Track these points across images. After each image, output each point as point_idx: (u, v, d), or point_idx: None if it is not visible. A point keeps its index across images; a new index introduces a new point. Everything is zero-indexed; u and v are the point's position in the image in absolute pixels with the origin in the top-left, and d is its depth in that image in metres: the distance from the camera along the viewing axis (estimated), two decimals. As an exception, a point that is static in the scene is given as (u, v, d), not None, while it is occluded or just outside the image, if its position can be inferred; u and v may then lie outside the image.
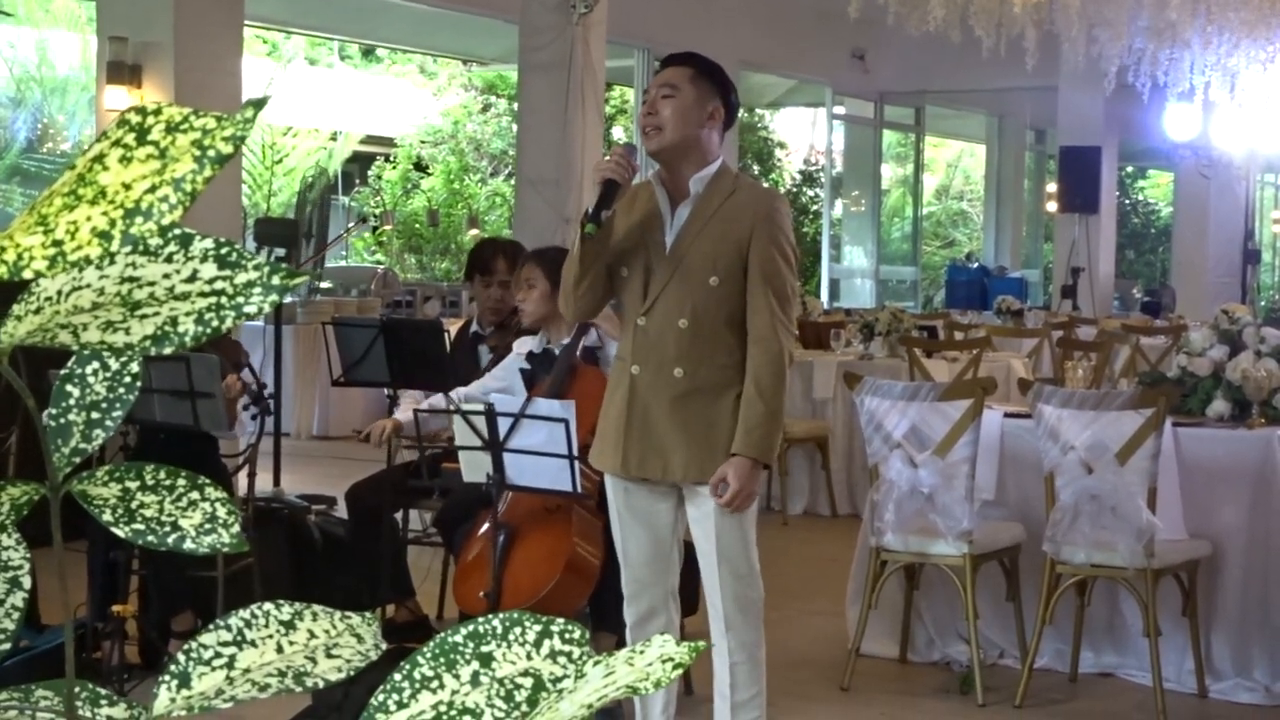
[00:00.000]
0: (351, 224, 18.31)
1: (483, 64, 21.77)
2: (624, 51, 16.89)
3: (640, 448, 4.54)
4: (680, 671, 0.96)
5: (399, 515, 6.90)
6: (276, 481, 8.73)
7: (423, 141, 23.40)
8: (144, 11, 10.02)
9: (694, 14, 16.59)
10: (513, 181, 14.59)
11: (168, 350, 0.86)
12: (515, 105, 14.30)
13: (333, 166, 22.06)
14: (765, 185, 4.72)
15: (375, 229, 21.40)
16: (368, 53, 24.57)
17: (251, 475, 6.47)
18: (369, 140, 23.42)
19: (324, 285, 15.10)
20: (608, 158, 4.54)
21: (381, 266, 18.46)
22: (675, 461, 4.49)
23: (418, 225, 22.62)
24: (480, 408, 5.23)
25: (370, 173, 23.50)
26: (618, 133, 22.28)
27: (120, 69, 10.08)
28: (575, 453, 5.00)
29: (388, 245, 22.77)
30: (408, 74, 24.83)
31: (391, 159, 23.60)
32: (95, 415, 1.01)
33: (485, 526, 5.53)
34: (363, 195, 23.21)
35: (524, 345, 6.08)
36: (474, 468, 5.29)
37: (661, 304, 4.49)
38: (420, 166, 23.43)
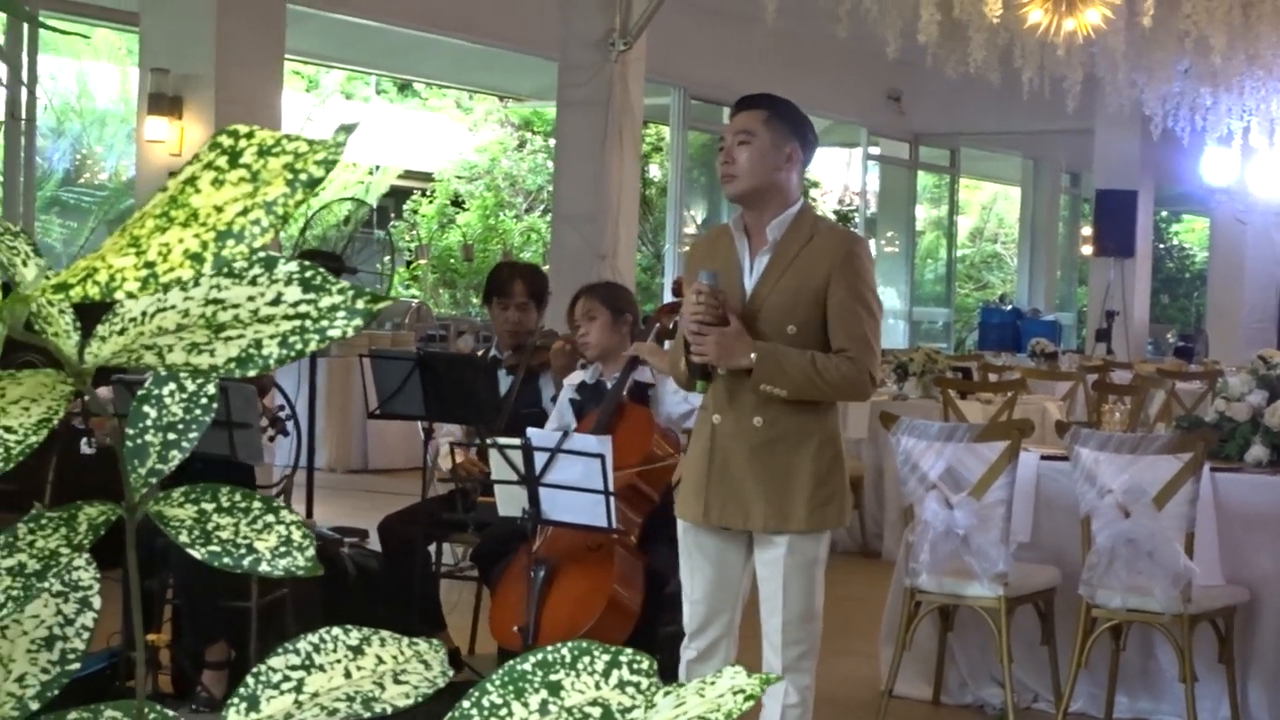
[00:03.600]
0: (387, 258, 18.35)
1: (519, 100, 21.85)
2: (661, 90, 16.93)
3: (721, 497, 4.50)
4: (751, 704, 0.96)
5: (432, 548, 6.90)
6: (310, 513, 8.71)
7: (459, 177, 23.48)
8: (186, 44, 10.10)
9: (730, 53, 16.63)
10: (548, 217, 14.63)
11: (252, 373, 0.86)
12: (551, 141, 14.35)
13: (370, 200, 22.14)
14: (844, 228, 4.61)
15: (410, 263, 21.44)
16: (404, 88, 24.68)
17: (286, 507, 6.47)
18: (406, 175, 23.51)
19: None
20: (696, 302, 4.38)
21: (416, 300, 18.51)
22: (755, 511, 4.46)
23: (452, 260, 22.68)
24: (517, 442, 5.24)
25: (405, 207, 23.58)
26: (653, 170, 22.32)
27: (161, 100, 10.16)
28: (611, 488, 4.99)
29: (422, 279, 22.83)
30: (443, 109, 24.93)
31: (428, 194, 23.69)
32: (172, 436, 1.02)
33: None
34: (398, 229, 23.29)
35: (575, 378, 6.08)
36: (510, 502, 5.28)
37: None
38: (457, 202, 23.51)
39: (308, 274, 0.88)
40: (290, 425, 6.44)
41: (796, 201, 4.56)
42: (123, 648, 6.01)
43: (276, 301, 0.87)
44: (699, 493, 4.54)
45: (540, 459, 5.14)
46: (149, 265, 0.80)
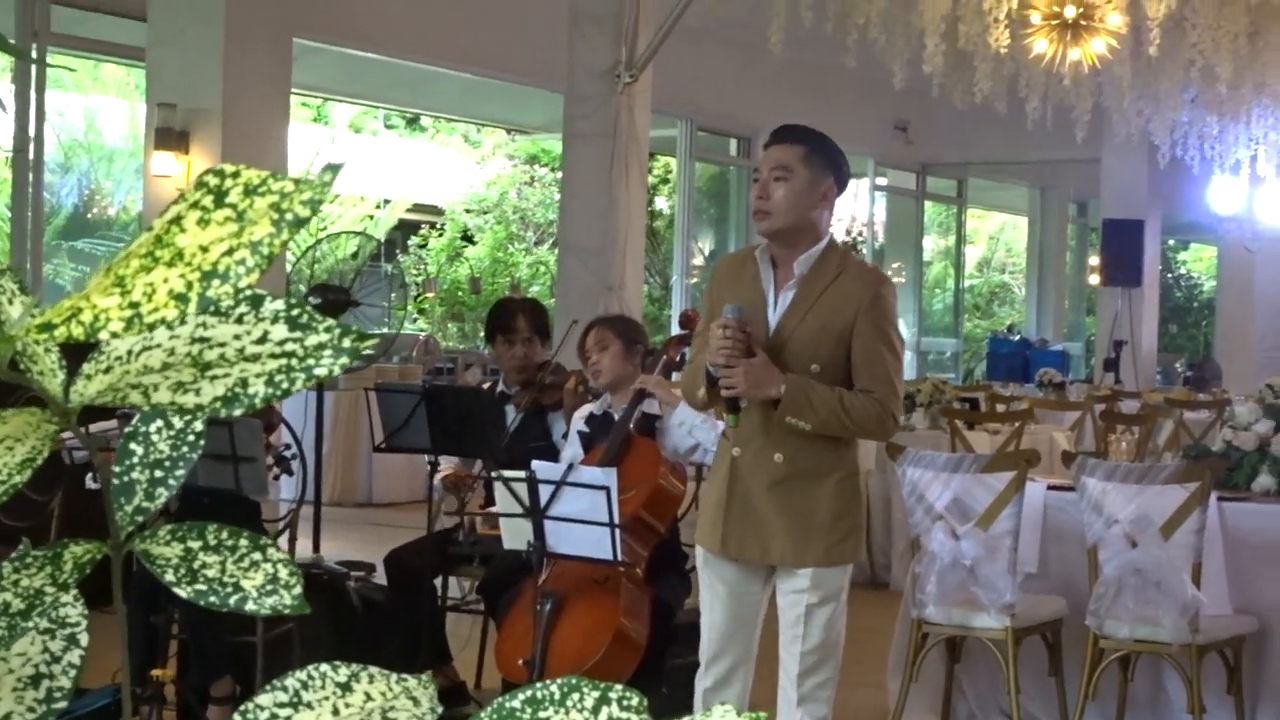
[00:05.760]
0: (394, 293, 18.40)
1: (526, 133, 21.89)
2: (668, 121, 16.96)
3: (740, 530, 4.50)
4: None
5: (438, 581, 6.89)
6: (316, 547, 8.71)
7: (468, 210, 23.53)
8: (193, 79, 10.13)
9: (737, 84, 16.66)
10: (556, 250, 14.65)
11: (238, 412, 0.86)
12: (559, 174, 14.38)
13: (379, 234, 22.19)
14: (871, 266, 4.59)
15: (417, 296, 21.47)
16: (412, 121, 24.75)
17: (292, 540, 6.48)
18: (415, 208, 23.56)
19: (366, 351, 15.17)
20: (723, 335, 4.33)
21: (423, 333, 18.53)
22: (775, 546, 4.46)
23: (460, 293, 22.71)
24: (522, 474, 5.23)
25: (412, 240, 23.62)
26: (660, 203, 22.34)
27: (168, 135, 10.19)
28: (616, 520, 4.99)
29: (430, 312, 22.86)
30: (452, 143, 24.99)
31: (438, 227, 23.74)
32: (159, 474, 1.02)
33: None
34: (406, 263, 23.33)
35: (584, 410, 6.09)
36: (515, 534, 5.28)
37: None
38: (467, 236, 23.57)
39: (294, 312, 0.88)
40: (295, 464, 6.45)
41: (825, 237, 4.52)
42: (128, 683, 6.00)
43: (263, 340, 0.87)
44: (716, 523, 4.54)
45: (545, 491, 5.14)
46: (134, 305, 0.80)
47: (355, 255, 20.04)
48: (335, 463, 13.09)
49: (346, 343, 0.87)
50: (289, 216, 0.82)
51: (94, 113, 20.04)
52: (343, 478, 13.33)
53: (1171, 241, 29.61)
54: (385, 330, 14.33)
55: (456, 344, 21.59)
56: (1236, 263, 20.90)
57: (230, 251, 0.80)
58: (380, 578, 7.18)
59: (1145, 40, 10.80)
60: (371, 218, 22.34)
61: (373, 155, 23.31)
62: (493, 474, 5.51)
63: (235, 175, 0.84)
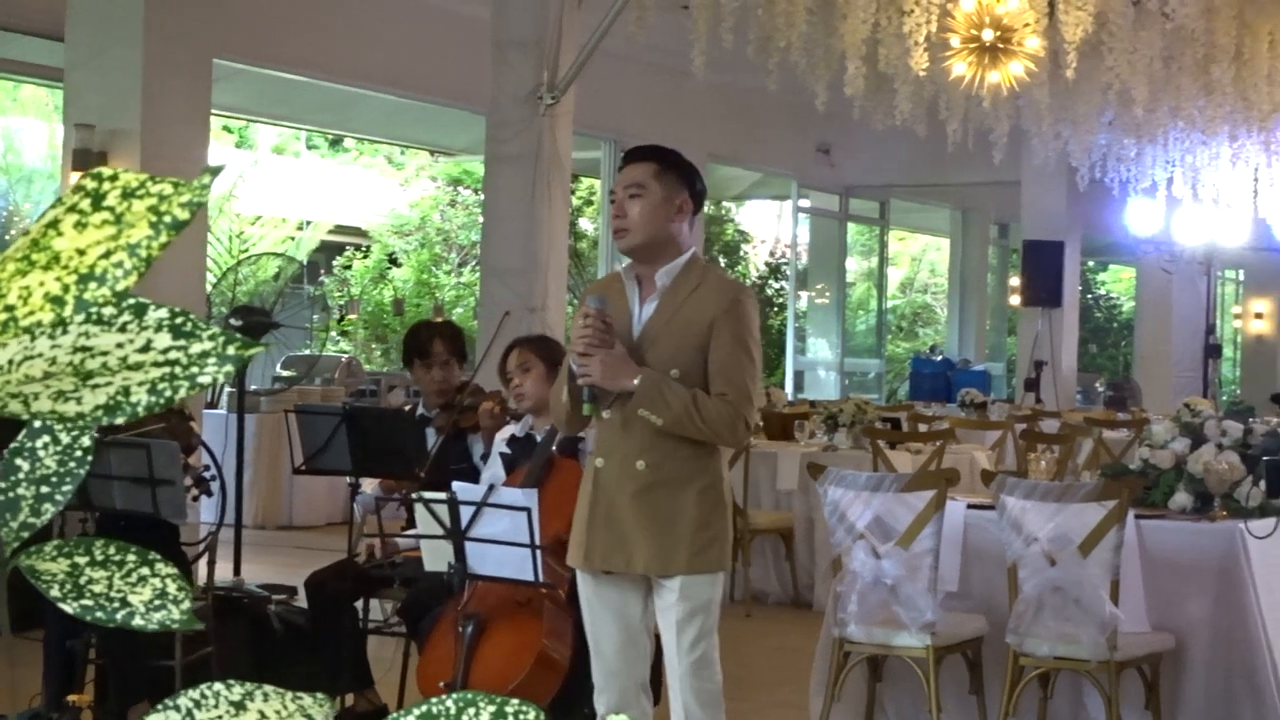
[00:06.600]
0: (316, 315, 18.31)
1: (450, 155, 21.84)
2: (591, 143, 16.98)
3: (604, 541, 4.53)
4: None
5: (360, 604, 6.85)
6: (237, 571, 8.64)
7: (394, 232, 23.45)
8: (112, 99, 10.03)
9: (661, 107, 16.70)
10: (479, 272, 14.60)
11: (120, 420, 0.85)
12: (483, 196, 14.36)
13: (300, 255, 22.06)
14: (731, 278, 4.73)
15: (340, 318, 21.35)
16: (335, 142, 24.64)
17: (211, 564, 6.42)
18: (337, 230, 23.44)
19: (287, 374, 15.06)
20: (584, 324, 4.44)
21: (346, 355, 18.43)
22: (638, 554, 4.48)
23: (385, 315, 22.62)
24: (443, 496, 5.20)
25: (336, 262, 23.51)
26: (585, 224, 22.35)
27: (87, 156, 10.08)
28: (537, 542, 4.97)
29: (353, 334, 22.74)
30: (375, 164, 24.90)
31: (363, 249, 23.63)
32: (45, 490, 1.00)
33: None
34: (329, 285, 23.21)
35: (506, 432, 6.06)
36: (436, 556, 5.25)
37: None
38: (393, 259, 23.48)
39: (178, 320, 0.87)
40: (215, 485, 6.40)
41: (687, 250, 4.62)
42: (44, 708, 5.92)
43: (146, 348, 0.86)
44: (581, 536, 4.58)
45: (466, 513, 5.11)
46: (9, 309, 0.78)
47: (277, 277, 19.97)
48: (257, 486, 13.00)
49: (231, 350, 0.86)
50: (167, 219, 0.80)
51: (12, 134, 19.85)
52: (264, 501, 13.23)
53: (1091, 263, 29.93)
54: (308, 352, 14.25)
55: (380, 366, 21.48)
56: (1154, 284, 21.12)
57: (107, 254, 0.79)
58: (301, 601, 7.13)
59: (1063, 64, 10.90)
60: (293, 239, 22.20)
61: (295, 177, 23.19)
62: (414, 495, 5.47)
63: (113, 179, 0.82)
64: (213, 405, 12.86)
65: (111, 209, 0.82)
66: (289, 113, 17.89)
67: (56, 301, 0.79)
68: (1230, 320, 27.36)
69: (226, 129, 22.11)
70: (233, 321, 8.88)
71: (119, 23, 10.02)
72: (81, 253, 0.80)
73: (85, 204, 0.83)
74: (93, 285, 0.79)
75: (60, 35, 10.47)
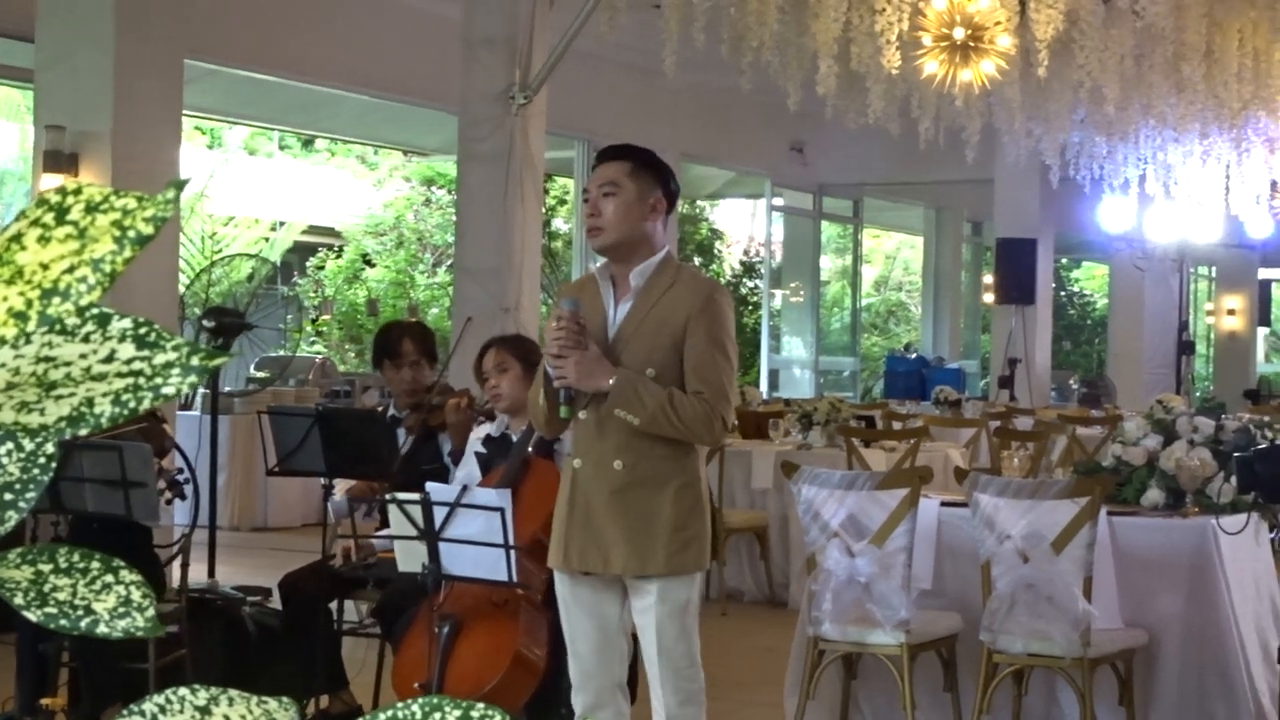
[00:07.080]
0: (290, 315, 18.28)
1: (423, 155, 21.81)
2: (564, 143, 16.97)
3: (581, 541, 4.53)
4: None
5: (334, 606, 6.85)
6: (211, 572, 8.64)
7: (369, 233, 23.41)
8: (83, 100, 10.00)
9: (634, 106, 16.70)
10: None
11: (83, 431, 0.85)
12: (456, 196, 14.36)
13: (274, 256, 22.02)
14: (705, 275, 4.76)
15: (314, 319, 21.32)
16: (308, 143, 24.59)
17: (185, 566, 6.41)
18: (310, 230, 23.39)
19: (260, 375, 15.03)
20: (557, 327, 4.44)
21: (320, 356, 18.40)
22: (615, 555, 4.49)
23: (358, 316, 22.58)
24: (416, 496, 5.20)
25: (309, 263, 23.46)
26: (558, 223, 22.34)
27: (58, 158, 10.05)
28: (512, 542, 4.97)
29: (327, 335, 22.70)
30: (348, 165, 24.85)
31: (336, 250, 23.59)
32: (8, 497, 1.00)
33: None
34: (303, 286, 23.17)
35: (481, 431, 6.05)
36: (410, 557, 5.25)
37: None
38: (367, 260, 23.44)
39: (142, 330, 0.87)
40: (188, 488, 6.39)
41: (661, 249, 4.63)
42: (17, 712, 5.91)
43: (110, 359, 0.86)
44: (559, 537, 4.59)
45: (440, 514, 5.11)
46: (-28, 324, 0.79)
47: (251, 278, 19.92)
48: (231, 487, 12.98)
49: (195, 360, 0.86)
50: (131, 234, 0.81)
51: (-17, 135, 19.78)
52: (239, 502, 13.21)
53: (1064, 260, 30.02)
54: (282, 353, 14.23)
55: (355, 367, 21.44)
56: (1127, 281, 21.20)
57: (71, 269, 0.79)
58: (276, 602, 7.12)
59: (1034, 62, 10.92)
60: (267, 240, 22.16)
61: (267, 178, 23.13)
62: (387, 496, 5.47)
63: (77, 193, 0.83)
64: (186, 407, 12.83)
65: (75, 223, 0.83)
66: (261, 113, 17.85)
67: (20, 316, 0.79)
68: (1203, 317, 27.45)
69: (199, 130, 22.05)
70: (206, 323, 8.87)
71: (90, 24, 9.98)
72: (45, 267, 0.81)
73: (49, 218, 0.83)
74: (56, 300, 0.80)
75: (30, 36, 10.43)
